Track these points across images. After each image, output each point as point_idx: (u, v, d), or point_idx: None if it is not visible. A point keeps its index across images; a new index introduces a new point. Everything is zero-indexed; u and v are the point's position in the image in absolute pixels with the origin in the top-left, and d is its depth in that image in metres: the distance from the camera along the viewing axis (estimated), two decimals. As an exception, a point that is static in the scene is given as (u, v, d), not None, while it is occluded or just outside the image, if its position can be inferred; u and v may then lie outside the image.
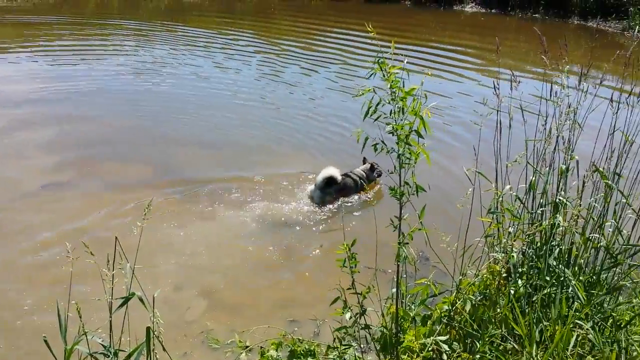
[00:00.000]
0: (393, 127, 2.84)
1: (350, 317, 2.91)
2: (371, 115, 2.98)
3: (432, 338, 2.84)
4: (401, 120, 2.91)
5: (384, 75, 2.95)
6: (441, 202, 6.14)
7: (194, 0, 20.73)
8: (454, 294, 3.06)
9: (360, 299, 2.93)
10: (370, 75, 3.04)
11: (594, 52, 11.63)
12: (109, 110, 9.85)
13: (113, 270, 2.55)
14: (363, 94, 3.02)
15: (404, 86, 2.95)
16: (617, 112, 3.62)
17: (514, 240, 2.94)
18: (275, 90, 11.12)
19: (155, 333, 2.61)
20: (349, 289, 2.92)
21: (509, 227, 3.08)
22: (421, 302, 3.00)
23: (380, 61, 2.97)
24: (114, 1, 21.38)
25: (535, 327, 2.72)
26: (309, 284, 5.23)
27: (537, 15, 18.25)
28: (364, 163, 7.06)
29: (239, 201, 6.71)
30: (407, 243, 2.75)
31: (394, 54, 2.99)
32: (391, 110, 2.97)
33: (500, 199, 3.05)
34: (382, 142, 2.91)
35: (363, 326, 2.96)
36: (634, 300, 3.58)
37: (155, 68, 12.55)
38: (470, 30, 17.31)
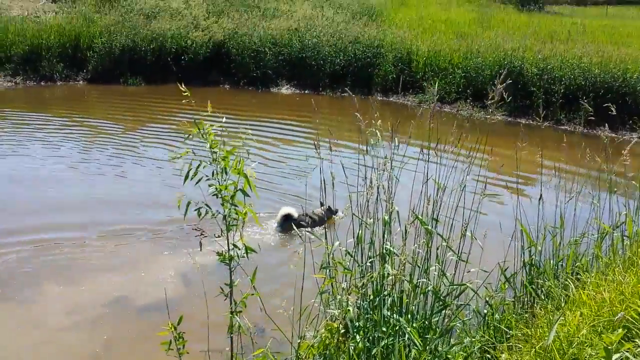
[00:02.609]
0: (216, 187, 2.69)
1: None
2: (192, 179, 2.81)
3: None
4: (224, 180, 2.79)
5: (202, 136, 2.83)
6: (275, 264, 6.05)
7: (-4, 90, 18.92)
8: (295, 360, 2.89)
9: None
10: (187, 137, 2.89)
11: (400, 123, 12.80)
12: None
13: None
14: (180, 156, 2.85)
15: (224, 145, 2.85)
16: (427, 165, 3.89)
17: (349, 294, 2.88)
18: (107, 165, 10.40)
19: None
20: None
21: (342, 281, 3.03)
22: (261, 374, 2.77)
23: (197, 121, 2.86)
24: None
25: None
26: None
27: (345, 94, 19.77)
28: (322, 206, 7.80)
29: (55, 278, 5.93)
30: (241, 311, 2.54)
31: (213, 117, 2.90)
32: (213, 172, 2.83)
33: (331, 254, 3.02)
34: (206, 204, 2.73)
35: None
36: (465, 340, 3.73)
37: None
38: (289, 107, 18.16)
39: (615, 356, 2.83)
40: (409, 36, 17.20)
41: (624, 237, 4.58)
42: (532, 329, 3.58)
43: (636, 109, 13.41)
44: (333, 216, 8.11)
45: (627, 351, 2.86)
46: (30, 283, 5.87)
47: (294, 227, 7.26)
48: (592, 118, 12.32)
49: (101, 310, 5.54)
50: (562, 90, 14.46)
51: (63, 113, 15.61)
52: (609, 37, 16.30)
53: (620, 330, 2.96)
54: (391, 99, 18.60)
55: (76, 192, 8.73)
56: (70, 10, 19.73)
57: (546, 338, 3.17)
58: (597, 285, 3.73)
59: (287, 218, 7.69)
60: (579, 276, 4.47)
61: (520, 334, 3.78)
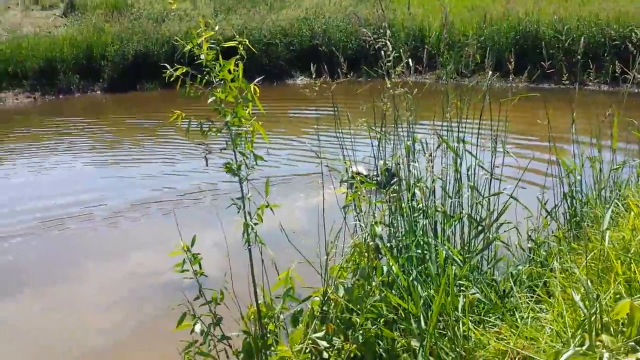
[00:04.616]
0: (216, 98, 2.45)
1: (202, 331, 2.33)
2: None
3: (307, 337, 2.36)
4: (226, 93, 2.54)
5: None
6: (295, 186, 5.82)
7: (16, 106, 19.04)
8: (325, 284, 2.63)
9: (213, 307, 2.38)
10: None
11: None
12: None
13: None
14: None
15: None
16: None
17: (375, 206, 2.62)
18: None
19: None
20: (196, 298, 2.36)
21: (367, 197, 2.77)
22: (285, 293, 2.51)
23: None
24: None
25: (415, 284, 2.37)
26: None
27: (360, 78, 19.48)
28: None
29: (84, 257, 5.70)
30: (257, 223, 2.30)
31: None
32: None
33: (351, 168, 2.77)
34: (209, 119, 2.50)
35: (220, 337, 2.39)
36: (510, 269, 3.42)
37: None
38: (305, 96, 17.96)
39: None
40: (420, 13, 16.84)
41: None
42: (583, 244, 3.26)
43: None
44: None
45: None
46: (58, 264, 5.68)
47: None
48: (617, 75, 11.81)
49: (135, 287, 5.26)
50: (582, 50, 13.96)
51: (85, 121, 15.64)
52: (624, -8, 15.71)
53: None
54: (408, 79, 18.27)
55: (105, 177, 8.79)
56: (80, 21, 19.87)
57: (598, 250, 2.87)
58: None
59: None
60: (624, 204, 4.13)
61: (569, 259, 3.47)
